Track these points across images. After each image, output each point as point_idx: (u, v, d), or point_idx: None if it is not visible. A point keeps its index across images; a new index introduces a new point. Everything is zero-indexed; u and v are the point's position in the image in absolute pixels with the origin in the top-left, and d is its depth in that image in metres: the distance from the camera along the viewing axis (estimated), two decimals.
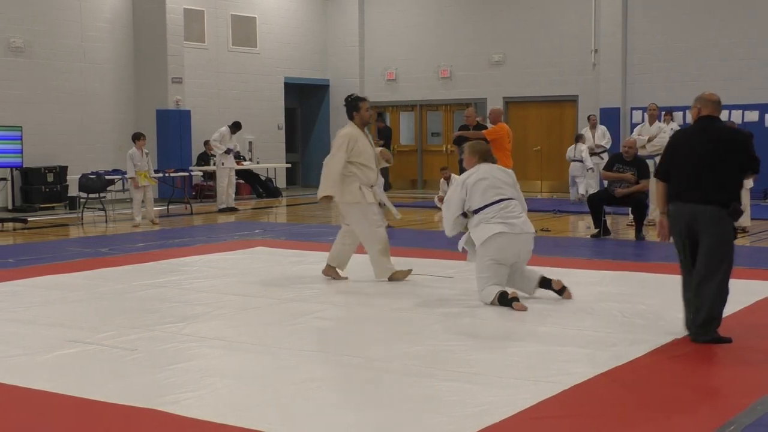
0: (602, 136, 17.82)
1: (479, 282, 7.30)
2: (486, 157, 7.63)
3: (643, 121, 15.70)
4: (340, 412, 4.57)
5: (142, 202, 14.31)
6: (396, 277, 8.45)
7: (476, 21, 21.59)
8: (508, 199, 7.37)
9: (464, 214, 7.48)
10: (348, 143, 8.28)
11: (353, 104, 8.46)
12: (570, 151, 17.90)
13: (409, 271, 8.56)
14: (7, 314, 7.08)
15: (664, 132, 13.70)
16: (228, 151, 17.16)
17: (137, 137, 14.49)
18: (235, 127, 17.67)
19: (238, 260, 10.10)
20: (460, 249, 7.65)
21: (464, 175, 7.54)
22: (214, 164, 18.51)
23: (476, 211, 7.37)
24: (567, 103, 20.68)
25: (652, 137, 13.29)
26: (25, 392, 4.99)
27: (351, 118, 8.46)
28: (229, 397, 4.85)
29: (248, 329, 6.55)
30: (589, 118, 18.24)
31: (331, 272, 8.67)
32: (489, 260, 7.22)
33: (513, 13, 21.12)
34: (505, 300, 7.06)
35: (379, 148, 8.73)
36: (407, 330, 6.45)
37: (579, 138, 17.92)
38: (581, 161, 17.54)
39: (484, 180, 7.38)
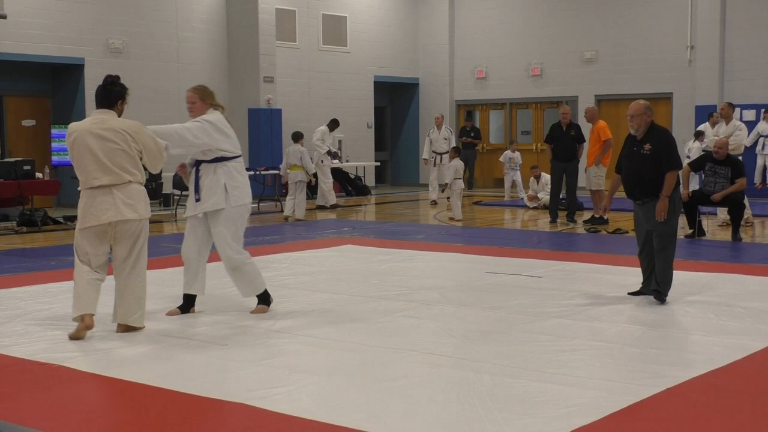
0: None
1: (238, 247, 6.85)
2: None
3: (741, 118, 15.28)
4: (427, 410, 4.57)
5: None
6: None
7: (567, 18, 21.33)
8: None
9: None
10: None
11: (122, 93, 6.42)
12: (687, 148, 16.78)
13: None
14: (103, 309, 7.26)
15: (739, 130, 13.41)
16: (329, 152, 17.40)
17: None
18: (333, 124, 17.86)
19: (328, 258, 10.19)
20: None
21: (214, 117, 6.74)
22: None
23: (230, 159, 6.79)
24: (661, 100, 20.25)
25: (728, 136, 12.99)
26: (118, 384, 5.12)
27: (112, 105, 6.35)
28: (318, 393, 4.89)
29: (337, 326, 6.59)
30: (711, 114, 16.69)
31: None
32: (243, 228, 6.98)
33: (605, 9, 20.79)
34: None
35: None
36: (496, 330, 6.41)
37: (698, 135, 16.67)
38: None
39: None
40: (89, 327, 6.17)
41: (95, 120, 6.26)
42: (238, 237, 6.91)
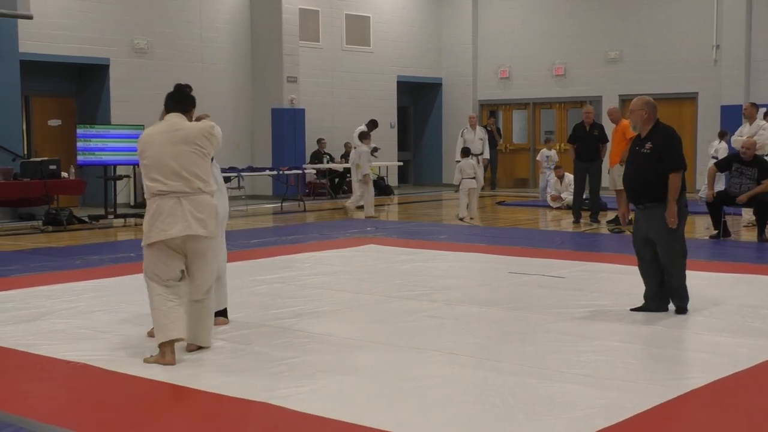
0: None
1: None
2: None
3: (766, 118, 15.07)
4: (448, 410, 4.56)
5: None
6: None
7: (591, 18, 21.24)
8: None
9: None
10: None
11: (194, 100, 6.16)
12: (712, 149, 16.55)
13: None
14: (128, 307, 7.32)
15: (763, 129, 13.28)
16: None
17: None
18: (372, 125, 17.77)
19: (350, 258, 10.20)
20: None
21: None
22: (327, 162, 18.76)
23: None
24: (686, 100, 20.13)
25: (751, 137, 12.88)
26: (142, 382, 5.16)
27: (186, 111, 6.00)
28: (340, 392, 4.89)
29: (359, 326, 6.60)
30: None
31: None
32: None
33: (629, 9, 20.69)
34: None
35: None
36: (519, 330, 6.39)
37: (722, 135, 16.49)
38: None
39: None
40: (169, 364, 5.50)
41: (169, 123, 5.83)
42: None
